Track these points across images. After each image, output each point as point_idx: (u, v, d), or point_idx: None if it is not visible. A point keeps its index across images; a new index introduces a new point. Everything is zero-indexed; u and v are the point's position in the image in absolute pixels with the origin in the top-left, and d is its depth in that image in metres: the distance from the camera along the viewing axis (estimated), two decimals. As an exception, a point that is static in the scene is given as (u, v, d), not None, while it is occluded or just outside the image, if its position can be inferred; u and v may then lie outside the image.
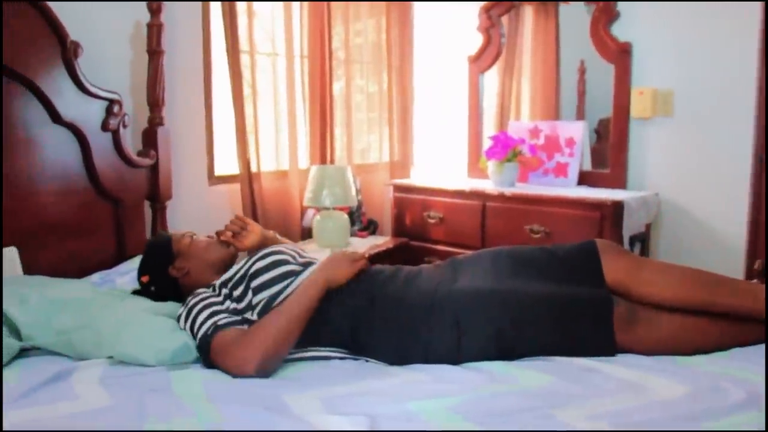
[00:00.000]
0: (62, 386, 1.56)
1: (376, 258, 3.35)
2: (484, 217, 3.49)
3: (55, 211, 2.52)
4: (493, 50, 4.03)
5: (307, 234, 3.72)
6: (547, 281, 1.81)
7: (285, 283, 1.88)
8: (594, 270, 1.81)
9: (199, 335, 1.74)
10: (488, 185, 3.62)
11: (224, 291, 1.92)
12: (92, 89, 2.58)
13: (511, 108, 4.20)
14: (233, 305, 1.87)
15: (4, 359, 1.71)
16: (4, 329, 1.79)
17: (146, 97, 2.88)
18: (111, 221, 2.75)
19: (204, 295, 1.89)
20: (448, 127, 4.42)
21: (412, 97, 4.42)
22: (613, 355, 1.70)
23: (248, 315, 1.84)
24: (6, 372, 1.67)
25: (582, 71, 3.82)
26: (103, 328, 1.76)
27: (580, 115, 3.81)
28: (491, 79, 4.15)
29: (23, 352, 1.79)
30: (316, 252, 3.30)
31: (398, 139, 4.35)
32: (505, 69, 4.13)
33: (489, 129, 4.13)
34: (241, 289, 1.91)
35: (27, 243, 2.39)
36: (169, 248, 2.11)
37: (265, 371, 1.66)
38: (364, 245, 3.56)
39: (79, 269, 2.55)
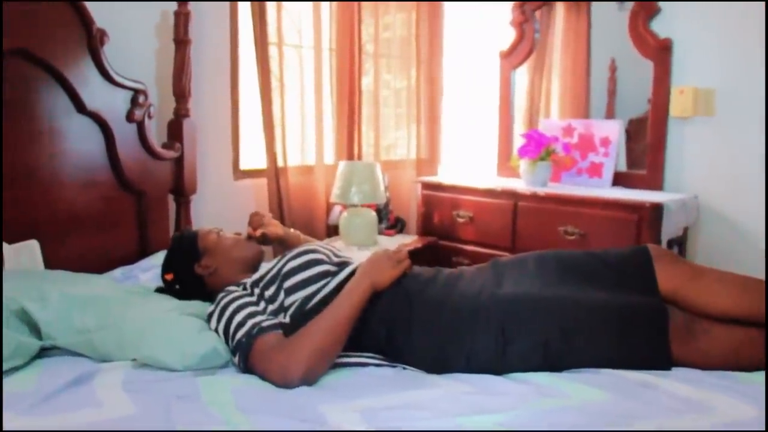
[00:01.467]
0: (84, 391, 1.48)
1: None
2: (516, 218, 3.38)
3: (77, 204, 2.44)
4: (525, 46, 3.91)
5: (332, 231, 3.63)
6: (597, 289, 1.70)
7: (320, 284, 1.79)
8: (647, 278, 1.70)
9: (238, 337, 1.64)
10: (519, 184, 3.50)
11: (256, 291, 1.83)
12: (117, 78, 2.50)
13: (540, 106, 4.08)
14: (270, 307, 1.77)
15: (24, 359, 1.63)
16: (24, 327, 1.71)
17: (172, 87, 2.80)
18: (134, 215, 2.68)
19: (237, 294, 1.80)
20: (476, 124, 4.31)
21: (440, 93, 4.30)
22: (668, 368, 1.58)
23: (280, 317, 1.75)
24: (24, 374, 1.59)
25: (613, 69, 3.70)
26: (126, 329, 1.67)
27: (610, 114, 3.69)
28: (521, 76, 4.03)
29: (43, 352, 1.71)
30: (345, 251, 3.20)
31: (426, 135, 4.24)
32: (535, 66, 4.01)
33: (518, 127, 4.02)
34: (272, 289, 1.81)
35: (48, 236, 2.32)
36: (195, 245, 2.02)
37: (309, 380, 1.56)
38: (392, 244, 3.46)
39: (100, 264, 2.47)
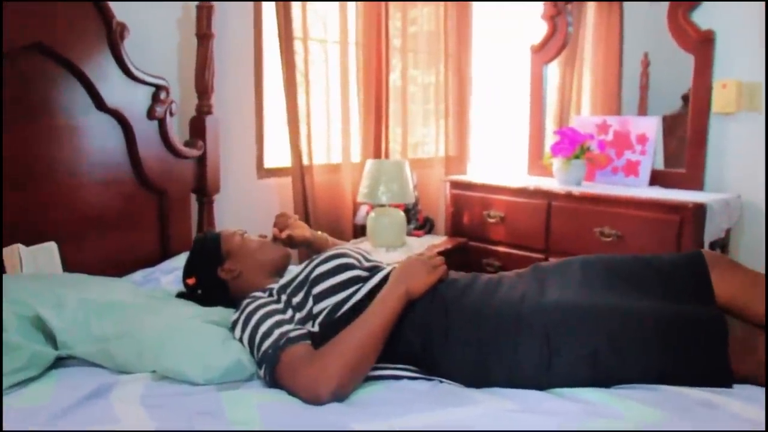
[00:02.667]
0: (101, 406, 1.38)
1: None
2: (549, 218, 3.25)
3: (96, 204, 2.36)
4: (558, 40, 3.78)
5: (359, 231, 3.52)
6: (648, 297, 1.57)
7: (350, 290, 1.68)
8: (702, 285, 1.57)
9: (264, 347, 1.53)
10: (553, 183, 3.38)
11: (283, 297, 1.72)
12: (138, 74, 2.42)
13: (571, 102, 3.95)
14: (297, 315, 1.67)
15: (38, 369, 1.54)
16: (39, 335, 1.62)
17: (194, 83, 2.70)
18: (155, 215, 2.59)
19: (263, 300, 1.69)
20: (506, 120, 4.18)
21: (469, 89, 4.18)
22: (729, 386, 1.45)
23: (308, 326, 1.64)
24: (39, 385, 1.50)
25: (645, 64, 3.56)
26: (146, 338, 1.57)
27: (642, 110, 3.56)
28: (552, 71, 3.90)
29: (58, 361, 1.62)
30: (372, 252, 3.10)
31: (454, 132, 4.12)
32: (566, 61, 3.88)
33: (548, 124, 3.89)
34: (300, 296, 1.71)
35: (67, 237, 2.24)
36: (218, 247, 1.92)
37: (340, 396, 1.44)
38: (421, 245, 3.35)
39: (121, 266, 2.39)
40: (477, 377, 1.55)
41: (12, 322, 1.57)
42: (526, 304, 1.58)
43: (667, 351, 1.48)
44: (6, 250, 2.06)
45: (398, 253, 3.12)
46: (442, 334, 1.59)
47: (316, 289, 1.68)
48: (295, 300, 1.70)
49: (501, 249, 3.47)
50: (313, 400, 1.42)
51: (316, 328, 1.62)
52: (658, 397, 1.40)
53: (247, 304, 1.67)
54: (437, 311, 1.62)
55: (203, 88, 2.69)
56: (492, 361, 1.54)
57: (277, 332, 1.54)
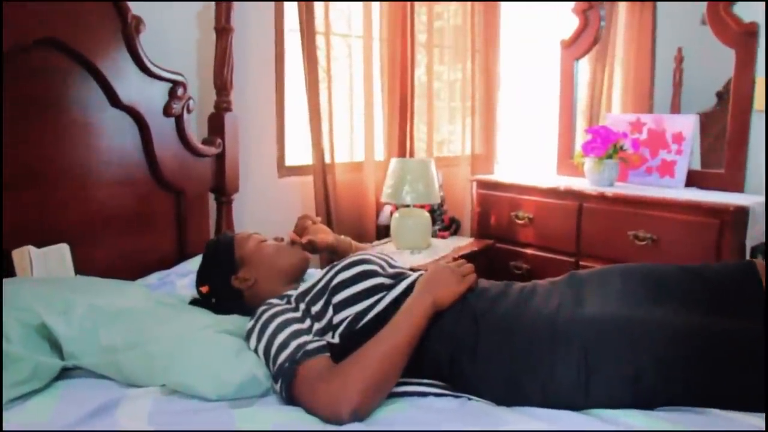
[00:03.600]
0: (106, 424, 1.29)
1: (459, 262, 3.02)
2: (580, 220, 3.13)
3: (111, 203, 2.27)
4: (589, 34, 3.66)
5: (383, 232, 3.42)
6: (696, 311, 1.45)
7: (373, 299, 1.57)
8: (754, 299, 1.44)
9: (279, 361, 1.43)
10: (584, 184, 3.25)
11: (302, 306, 1.62)
12: (154, 69, 2.32)
13: (602, 99, 3.82)
14: (317, 325, 1.56)
15: (42, 381, 1.45)
16: (45, 344, 1.54)
17: (213, 79, 2.61)
18: (172, 215, 2.50)
19: (280, 308, 1.59)
20: (535, 118, 4.05)
21: (497, 85, 4.06)
22: (785, 410, 1.33)
23: (328, 336, 1.54)
24: (42, 399, 1.41)
25: (679, 60, 3.42)
26: (155, 351, 1.47)
27: (675, 107, 3.43)
28: (582, 67, 3.77)
29: (64, 371, 1.53)
30: (396, 254, 3.00)
31: (481, 130, 4.00)
32: (597, 56, 3.74)
33: (578, 122, 3.76)
34: (320, 304, 1.60)
35: (80, 238, 2.15)
36: (232, 254, 1.82)
37: (362, 414, 1.33)
38: (447, 247, 3.24)
39: (136, 268, 2.31)
40: (508, 395, 1.43)
41: (16, 330, 1.49)
42: (561, 317, 1.46)
43: (717, 372, 1.35)
44: (16, 252, 1.98)
45: (423, 256, 3.02)
46: (471, 347, 1.47)
47: (337, 298, 1.57)
48: (315, 309, 1.59)
49: (529, 251, 3.35)
50: (334, 419, 1.31)
51: (336, 339, 1.52)
52: (705, 421, 1.28)
53: (263, 312, 1.57)
54: (466, 323, 1.51)
55: (222, 83, 2.60)
56: (525, 379, 1.42)
57: (293, 344, 1.44)
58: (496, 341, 1.46)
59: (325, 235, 1.94)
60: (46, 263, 2.00)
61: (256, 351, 1.51)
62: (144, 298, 1.82)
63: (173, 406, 1.36)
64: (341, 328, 1.53)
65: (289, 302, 1.64)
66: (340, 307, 1.56)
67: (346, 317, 1.54)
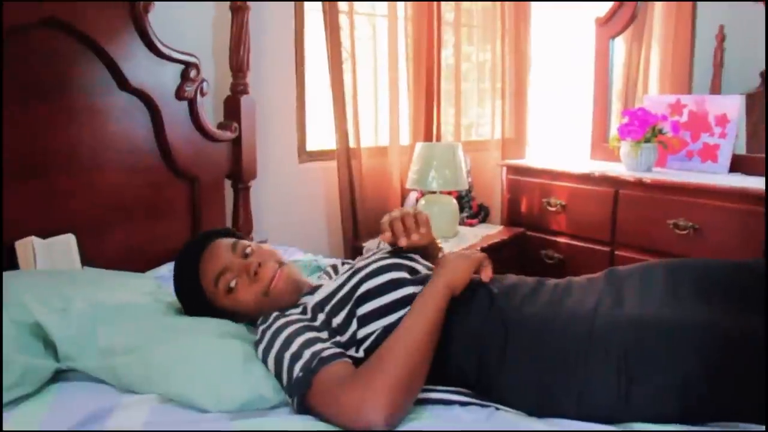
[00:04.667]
0: (97, 434, 1.18)
1: (488, 251, 2.88)
2: (616, 207, 2.97)
3: (120, 191, 2.17)
4: (626, 12, 3.47)
5: (408, 220, 3.28)
6: (751, 312, 1.29)
7: (403, 311, 1.40)
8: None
9: (294, 373, 1.28)
10: (620, 169, 3.09)
11: (320, 317, 1.46)
12: (165, 50, 2.21)
13: (638, 80, 3.64)
14: (338, 338, 1.41)
15: (33, 386, 1.34)
16: (39, 345, 1.42)
17: (228, 61, 2.49)
18: (186, 203, 2.39)
19: (293, 317, 1.44)
20: (568, 100, 3.88)
21: (528, 66, 3.89)
22: None
23: (351, 351, 1.40)
24: (32, 405, 1.29)
25: (720, 39, 3.23)
26: (154, 357, 1.35)
27: (716, 89, 3.24)
28: (618, 46, 3.59)
29: (60, 374, 1.42)
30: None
31: (511, 113, 3.84)
32: (633, 35, 3.56)
33: (613, 104, 3.59)
34: (342, 316, 1.44)
35: (87, 228, 2.06)
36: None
37: (396, 418, 1.20)
38: (475, 235, 3.10)
39: (147, 259, 2.21)
40: (540, 405, 1.30)
41: (7, 329, 1.38)
42: (599, 318, 1.31)
43: (776, 381, 1.20)
44: (19, 244, 1.88)
45: (450, 244, 2.88)
46: (498, 352, 1.34)
47: (362, 310, 1.42)
48: (336, 321, 1.44)
49: (561, 240, 3.20)
50: (364, 427, 1.18)
51: (361, 354, 1.38)
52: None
53: (275, 319, 1.43)
54: (493, 324, 1.37)
55: (238, 65, 2.48)
56: (558, 387, 1.28)
57: (307, 353, 1.30)
58: (527, 345, 1.32)
59: (429, 233, 1.58)
60: (50, 255, 1.91)
61: (265, 362, 1.37)
62: (150, 294, 1.70)
63: (170, 416, 1.24)
64: (367, 343, 1.39)
65: (304, 311, 1.50)
66: (366, 320, 1.41)
67: (373, 331, 1.40)
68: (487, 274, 1.46)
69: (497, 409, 1.31)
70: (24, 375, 1.32)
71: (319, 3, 2.86)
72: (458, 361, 1.36)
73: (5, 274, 1.72)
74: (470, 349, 1.37)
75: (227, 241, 1.57)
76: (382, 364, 1.24)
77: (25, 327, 1.42)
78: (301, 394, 1.26)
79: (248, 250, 1.55)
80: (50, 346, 1.43)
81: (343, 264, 1.88)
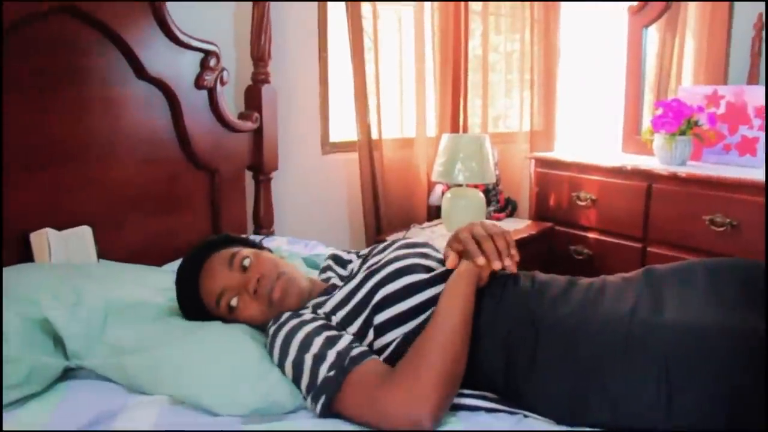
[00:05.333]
0: (103, 436, 1.13)
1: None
2: (649, 202, 2.86)
3: (138, 183, 2.12)
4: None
5: (434, 213, 3.22)
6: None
7: (423, 316, 1.34)
8: None
9: (321, 376, 1.22)
10: (653, 162, 2.99)
11: (334, 320, 1.40)
12: (183, 38, 2.15)
13: (671, 71, 3.51)
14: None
15: (41, 384, 1.29)
16: (49, 341, 1.37)
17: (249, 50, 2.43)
18: (205, 195, 2.34)
19: (307, 317, 1.38)
20: (598, 91, 3.77)
21: (557, 56, 3.78)
22: None
23: None
24: (38, 405, 1.24)
25: (759, 27, 3.10)
26: (166, 356, 1.29)
27: (753, 79, 3.10)
28: (651, 35, 3.47)
29: (70, 371, 1.37)
30: (448, 237, 2.78)
31: (540, 105, 3.74)
32: (667, 24, 3.44)
33: (646, 95, 3.48)
34: (357, 324, 1.37)
35: (104, 220, 2.01)
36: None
37: (440, 415, 1.15)
38: (502, 230, 3.02)
39: (165, 252, 2.16)
40: (572, 413, 1.21)
41: (15, 326, 1.33)
42: (637, 322, 1.23)
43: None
44: (34, 236, 1.84)
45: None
46: (528, 356, 1.26)
47: (379, 318, 1.34)
48: (351, 330, 1.37)
49: (591, 236, 3.11)
50: (411, 426, 1.12)
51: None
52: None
53: (287, 320, 1.36)
54: (523, 325, 1.29)
55: (259, 53, 2.41)
56: (592, 395, 1.20)
57: (332, 353, 1.23)
58: (558, 349, 1.24)
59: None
60: (66, 247, 1.86)
61: (281, 367, 1.30)
62: (165, 290, 1.65)
63: (181, 418, 1.18)
64: (386, 353, 1.32)
65: (316, 311, 1.44)
66: (383, 329, 1.34)
67: (392, 340, 1.32)
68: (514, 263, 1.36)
69: (525, 416, 1.24)
70: (31, 373, 1.27)
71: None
72: (485, 363, 1.29)
73: (17, 266, 1.67)
74: (498, 350, 1.29)
75: (224, 255, 1.49)
76: (424, 358, 1.19)
77: (34, 323, 1.37)
78: (328, 397, 1.19)
79: (246, 262, 1.47)
80: (59, 344, 1.38)
81: (350, 255, 1.75)
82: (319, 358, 1.23)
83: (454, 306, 1.28)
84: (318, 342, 1.27)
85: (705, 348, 1.16)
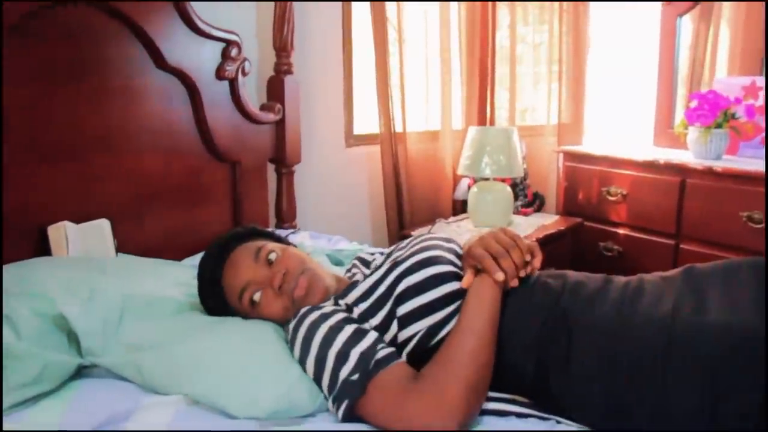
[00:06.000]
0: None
1: (543, 243, 2.72)
2: (682, 198, 2.77)
3: (157, 175, 2.07)
4: (694, -12, 3.26)
5: (459, 208, 3.15)
6: None
7: (450, 308, 1.27)
8: None
9: (343, 374, 1.16)
10: (686, 157, 2.89)
11: (356, 312, 1.33)
12: (204, 28, 2.10)
13: (705, 61, 3.40)
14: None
15: (53, 383, 1.24)
16: (63, 338, 1.33)
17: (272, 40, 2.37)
18: (226, 188, 2.29)
19: (328, 309, 1.32)
20: (629, 83, 3.66)
21: (586, 47, 3.68)
22: None
23: None
24: (50, 403, 1.19)
25: (798, 15, 2.99)
26: (181, 357, 1.24)
27: (789, 71, 3.00)
28: (684, 25, 3.36)
29: (84, 369, 1.32)
30: (474, 233, 2.72)
31: (568, 97, 3.64)
32: (701, 13, 3.33)
33: (678, 87, 3.37)
34: (381, 316, 1.30)
35: (123, 214, 1.97)
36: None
37: (469, 422, 1.11)
38: (530, 225, 2.94)
39: (184, 246, 2.12)
40: (608, 420, 1.15)
41: (28, 322, 1.28)
42: (680, 325, 1.15)
43: None
44: (51, 229, 1.80)
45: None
46: (561, 359, 1.19)
47: (402, 309, 1.28)
48: (374, 322, 1.30)
49: (622, 232, 3.02)
50: None
51: (403, 359, 1.24)
52: None
53: (307, 312, 1.31)
54: (557, 328, 1.22)
55: (282, 44, 2.36)
56: (630, 400, 1.13)
57: (355, 353, 1.17)
58: (594, 352, 1.17)
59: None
60: (84, 240, 1.82)
61: (303, 364, 1.24)
62: (184, 285, 1.60)
63: (197, 421, 1.13)
64: (410, 346, 1.26)
65: (337, 304, 1.38)
66: (407, 320, 1.28)
67: (416, 333, 1.26)
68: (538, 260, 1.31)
69: (558, 422, 1.17)
70: (44, 371, 1.22)
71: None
72: (514, 364, 1.22)
73: (33, 260, 1.64)
74: (528, 353, 1.22)
75: (250, 248, 1.43)
76: (452, 366, 1.13)
77: (47, 319, 1.33)
78: (351, 402, 1.13)
79: (272, 257, 1.41)
80: (74, 340, 1.33)
81: (373, 256, 1.71)
82: (341, 357, 1.18)
83: (481, 309, 1.22)
84: (341, 338, 1.21)
85: (751, 351, 1.08)
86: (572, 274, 1.36)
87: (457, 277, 1.32)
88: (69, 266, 1.58)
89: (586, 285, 1.30)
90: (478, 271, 1.30)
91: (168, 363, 1.23)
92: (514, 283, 1.27)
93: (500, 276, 1.25)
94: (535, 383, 1.21)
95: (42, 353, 1.24)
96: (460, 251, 1.43)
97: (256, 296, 1.38)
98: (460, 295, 1.28)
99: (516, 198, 3.11)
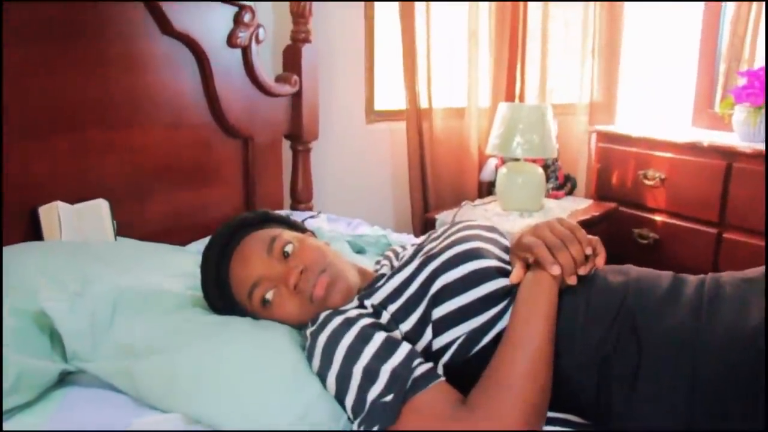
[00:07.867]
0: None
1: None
2: (728, 183, 2.58)
3: (162, 151, 1.91)
4: (740, -42, 3.04)
5: (485, 190, 2.97)
6: None
7: (493, 311, 1.09)
8: None
9: (372, 395, 0.98)
10: (731, 139, 2.69)
11: (385, 316, 1.14)
12: (215, -10, 1.92)
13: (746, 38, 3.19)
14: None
15: (32, 393, 1.07)
16: (45, 339, 1.16)
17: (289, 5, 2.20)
18: (237, 166, 2.14)
19: (353, 313, 1.12)
20: (666, 61, 3.45)
21: (621, 23, 3.46)
22: None
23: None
24: (27, 418, 1.03)
25: None
26: (180, 367, 1.05)
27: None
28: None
29: (68, 376, 1.15)
30: (503, 218, 2.54)
31: (601, 74, 3.43)
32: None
33: (720, 65, 3.16)
34: (413, 321, 1.11)
35: (123, 193, 1.82)
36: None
37: None
38: (562, 210, 2.75)
39: (193, 227, 1.97)
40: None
41: (6, 320, 1.11)
42: (772, 338, 0.97)
43: None
44: (43, 209, 1.63)
45: (534, 219, 2.54)
46: (628, 375, 1.00)
47: (438, 312, 1.10)
48: (404, 327, 1.12)
49: (659, 218, 2.83)
50: None
51: (441, 374, 1.03)
52: None
53: (328, 319, 1.11)
54: (622, 334, 1.03)
55: (299, 9, 2.18)
56: (709, 425, 0.95)
57: (386, 370, 0.99)
58: (669, 367, 0.99)
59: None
60: (79, 223, 1.66)
61: (323, 380, 1.05)
62: (187, 276, 1.43)
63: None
64: (447, 356, 1.08)
65: (362, 305, 1.19)
66: (443, 325, 1.09)
67: (454, 340, 1.08)
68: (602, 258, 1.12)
69: (624, 449, 0.99)
70: (20, 379, 1.05)
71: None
72: (569, 376, 1.03)
73: (19, 245, 1.47)
74: (587, 366, 1.03)
75: (262, 237, 1.23)
76: (505, 385, 0.96)
77: (27, 316, 1.16)
78: (383, 426, 0.95)
79: (289, 249, 1.21)
80: (58, 342, 1.16)
81: (404, 249, 1.49)
82: (370, 374, 0.99)
83: (536, 314, 1.03)
84: (369, 350, 1.02)
85: None
86: (635, 270, 1.17)
87: (503, 273, 1.13)
88: (59, 253, 1.42)
89: (655, 285, 1.10)
90: (528, 267, 1.12)
91: (165, 374, 1.04)
92: (572, 280, 1.08)
93: (556, 269, 1.06)
94: (595, 398, 1.03)
95: (20, 358, 1.06)
96: (505, 242, 1.24)
97: (269, 295, 1.18)
98: (506, 294, 1.10)
99: (547, 180, 2.92)
